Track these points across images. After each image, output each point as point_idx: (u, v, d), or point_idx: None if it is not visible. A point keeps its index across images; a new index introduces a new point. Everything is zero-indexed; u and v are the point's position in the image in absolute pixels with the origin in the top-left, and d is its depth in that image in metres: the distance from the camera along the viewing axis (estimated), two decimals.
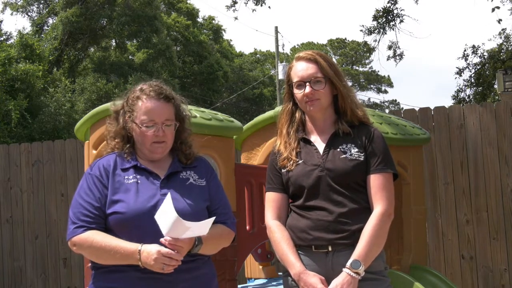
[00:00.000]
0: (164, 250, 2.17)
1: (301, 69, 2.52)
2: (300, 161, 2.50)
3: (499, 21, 9.38)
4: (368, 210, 2.44)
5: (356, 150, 2.47)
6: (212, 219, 2.24)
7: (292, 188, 2.51)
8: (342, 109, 2.55)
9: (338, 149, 2.48)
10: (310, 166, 2.48)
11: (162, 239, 2.19)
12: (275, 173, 2.57)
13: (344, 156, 2.46)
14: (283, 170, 2.53)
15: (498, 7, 9.08)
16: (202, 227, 2.23)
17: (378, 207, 2.42)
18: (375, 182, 2.45)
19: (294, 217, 2.50)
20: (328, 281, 2.36)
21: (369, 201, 2.46)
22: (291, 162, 2.50)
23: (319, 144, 2.53)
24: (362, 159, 2.46)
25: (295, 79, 2.53)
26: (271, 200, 2.56)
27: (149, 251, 2.17)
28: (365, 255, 2.34)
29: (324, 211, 2.42)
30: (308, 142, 2.54)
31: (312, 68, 2.51)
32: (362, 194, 2.46)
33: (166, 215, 2.18)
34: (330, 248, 2.40)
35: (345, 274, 2.32)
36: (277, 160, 2.56)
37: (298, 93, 2.51)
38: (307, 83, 2.49)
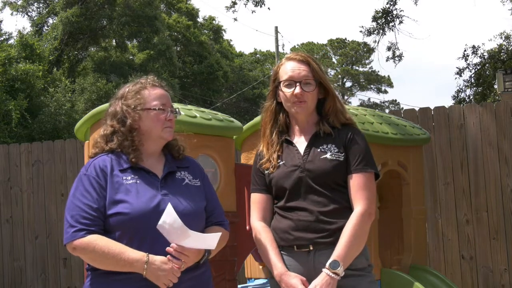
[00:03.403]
0: (175, 268, 2.19)
1: (293, 69, 2.51)
2: (281, 163, 2.50)
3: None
4: (349, 209, 2.44)
5: (336, 150, 2.47)
6: (219, 234, 2.27)
7: (274, 189, 2.52)
8: (326, 112, 2.54)
9: (319, 150, 2.48)
10: (291, 167, 2.48)
11: (168, 248, 2.20)
12: (258, 174, 2.57)
13: (324, 156, 2.46)
14: (265, 172, 2.54)
15: None
16: (210, 241, 2.25)
17: (358, 207, 2.42)
18: (355, 181, 2.45)
19: (277, 218, 2.51)
20: (310, 280, 2.37)
21: (350, 201, 2.46)
22: (272, 164, 2.51)
23: (300, 144, 2.53)
24: (342, 159, 2.46)
25: (284, 77, 2.51)
26: (256, 201, 2.57)
27: (159, 265, 2.19)
28: (344, 255, 2.34)
29: (305, 211, 2.43)
30: (290, 143, 2.55)
31: (304, 70, 2.50)
32: (342, 194, 2.46)
33: (169, 223, 2.18)
34: (311, 248, 2.41)
35: (324, 275, 2.33)
36: (261, 163, 2.57)
37: (287, 91, 2.50)
38: (298, 83, 2.48)
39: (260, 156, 2.58)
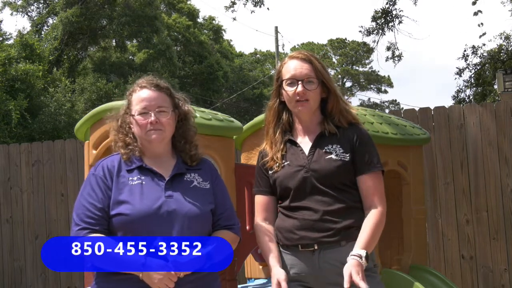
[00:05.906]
0: (172, 273, 2.17)
1: (295, 67, 2.51)
2: (285, 163, 2.50)
3: (480, 24, 9.44)
4: (355, 208, 2.44)
5: (342, 150, 2.47)
6: None
7: (279, 189, 2.52)
8: (330, 111, 2.54)
9: (324, 150, 2.47)
10: (296, 167, 2.48)
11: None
12: (262, 175, 2.58)
13: (329, 156, 2.46)
14: (269, 172, 2.54)
15: (480, 11, 9.06)
16: None
17: (379, 207, 2.42)
18: (368, 182, 2.45)
19: (281, 218, 2.52)
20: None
21: (362, 200, 2.46)
22: (277, 164, 2.51)
23: (305, 144, 2.52)
24: (347, 159, 2.46)
25: (287, 75, 2.51)
26: (258, 203, 2.58)
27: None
28: (367, 243, 2.34)
29: (309, 210, 2.43)
30: (294, 143, 2.54)
31: (307, 69, 2.50)
32: (348, 193, 2.45)
33: None
34: (316, 247, 2.41)
35: (350, 259, 2.30)
36: (264, 161, 2.57)
37: (289, 90, 2.50)
38: (300, 82, 2.48)
39: (263, 154, 2.58)
